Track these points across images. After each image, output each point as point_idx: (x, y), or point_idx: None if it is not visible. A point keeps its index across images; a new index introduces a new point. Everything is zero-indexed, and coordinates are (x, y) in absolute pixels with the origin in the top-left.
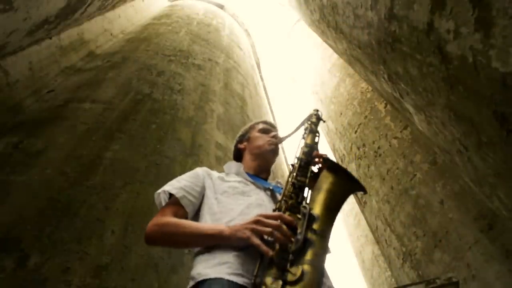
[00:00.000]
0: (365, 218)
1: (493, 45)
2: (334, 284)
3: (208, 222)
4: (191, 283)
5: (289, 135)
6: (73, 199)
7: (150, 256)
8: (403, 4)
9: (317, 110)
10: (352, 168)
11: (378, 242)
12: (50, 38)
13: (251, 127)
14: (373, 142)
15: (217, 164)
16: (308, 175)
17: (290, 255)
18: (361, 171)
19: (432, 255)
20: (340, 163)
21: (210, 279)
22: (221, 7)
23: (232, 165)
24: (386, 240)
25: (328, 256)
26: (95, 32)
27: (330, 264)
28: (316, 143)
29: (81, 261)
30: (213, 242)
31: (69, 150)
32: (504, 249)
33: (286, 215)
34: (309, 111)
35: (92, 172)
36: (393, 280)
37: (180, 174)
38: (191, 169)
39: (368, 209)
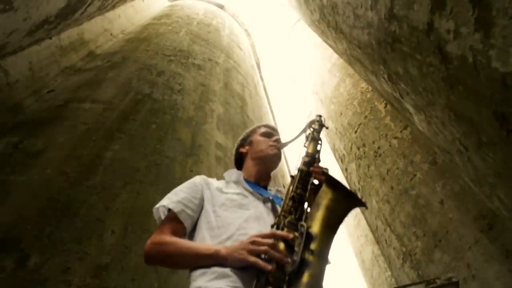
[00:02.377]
0: (365, 218)
1: (493, 45)
2: (334, 284)
3: (206, 238)
4: None
5: (291, 141)
6: (73, 199)
7: None
8: (403, 4)
9: (320, 116)
10: (352, 168)
11: (378, 242)
12: (50, 38)
13: (253, 131)
14: (373, 142)
15: (217, 164)
16: (308, 187)
17: (286, 277)
18: (361, 171)
19: (432, 255)
20: (340, 163)
21: None
22: (221, 7)
23: (233, 173)
24: (386, 240)
25: (327, 267)
26: (95, 32)
27: (330, 264)
28: (318, 151)
29: (81, 261)
30: (210, 263)
31: (69, 150)
32: (504, 249)
33: (280, 231)
34: (312, 116)
35: (92, 172)
36: (393, 280)
37: (180, 174)
38: (191, 169)
39: (368, 209)
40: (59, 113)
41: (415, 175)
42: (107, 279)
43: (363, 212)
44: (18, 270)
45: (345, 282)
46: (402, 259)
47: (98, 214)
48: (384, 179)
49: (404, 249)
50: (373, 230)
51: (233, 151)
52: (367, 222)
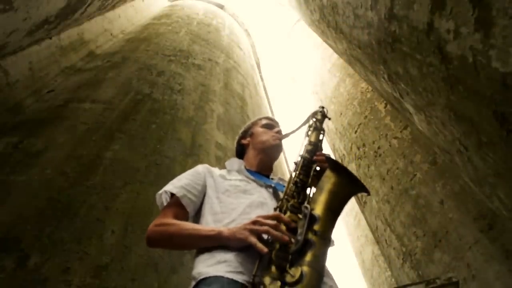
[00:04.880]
0: (365, 218)
1: (493, 45)
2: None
3: (209, 222)
4: (193, 283)
5: (293, 132)
6: (73, 199)
7: (150, 256)
8: (403, 4)
9: (323, 107)
10: (352, 168)
11: (378, 242)
12: (50, 38)
13: (254, 123)
14: (373, 142)
15: (217, 164)
16: (311, 174)
17: (290, 256)
18: (361, 171)
19: (432, 255)
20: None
21: (209, 277)
22: (221, 7)
23: (234, 162)
24: (386, 240)
25: (331, 249)
26: (95, 32)
27: (330, 264)
28: (320, 141)
29: (81, 261)
30: (212, 244)
31: (69, 150)
32: (504, 249)
33: (284, 216)
34: (314, 108)
35: (92, 172)
36: (393, 280)
37: (180, 174)
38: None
39: (368, 209)
40: (59, 113)
41: (415, 175)
42: (107, 279)
43: (363, 212)
44: (18, 270)
45: (345, 282)
46: (402, 259)
47: (98, 214)
48: (384, 179)
49: (404, 249)
50: (373, 230)
51: (234, 149)
52: (367, 222)
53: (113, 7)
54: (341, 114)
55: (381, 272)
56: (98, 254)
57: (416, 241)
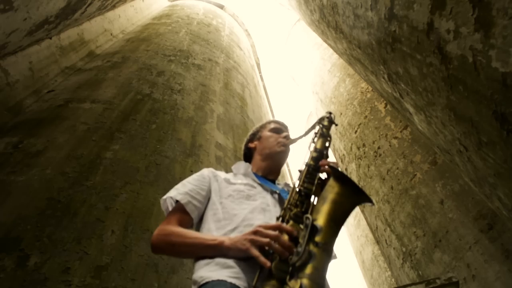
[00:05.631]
0: (365, 218)
1: (493, 45)
2: (335, 284)
3: (212, 229)
4: (194, 287)
5: (300, 137)
6: (73, 199)
7: (150, 256)
8: (403, 4)
9: (330, 113)
10: (352, 168)
11: (378, 242)
12: (50, 38)
13: (263, 126)
14: (373, 142)
15: (217, 164)
16: (315, 182)
17: (290, 268)
18: (361, 171)
19: (432, 255)
20: (340, 163)
21: (212, 281)
22: (221, 7)
23: (241, 165)
24: (386, 240)
25: (333, 262)
26: (95, 32)
27: (330, 264)
28: (326, 148)
29: (81, 261)
30: (214, 253)
31: (69, 150)
32: (504, 249)
33: (285, 225)
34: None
35: (92, 172)
36: (393, 280)
37: (180, 174)
38: (191, 169)
39: (368, 209)
40: (59, 113)
41: (415, 175)
42: (107, 279)
43: (363, 212)
44: (18, 270)
45: (345, 282)
46: (402, 259)
47: (98, 214)
48: (384, 179)
49: (404, 249)
50: (373, 230)
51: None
52: (367, 222)
53: (113, 7)
54: (341, 114)
55: (381, 272)
56: (98, 254)
57: (416, 241)
